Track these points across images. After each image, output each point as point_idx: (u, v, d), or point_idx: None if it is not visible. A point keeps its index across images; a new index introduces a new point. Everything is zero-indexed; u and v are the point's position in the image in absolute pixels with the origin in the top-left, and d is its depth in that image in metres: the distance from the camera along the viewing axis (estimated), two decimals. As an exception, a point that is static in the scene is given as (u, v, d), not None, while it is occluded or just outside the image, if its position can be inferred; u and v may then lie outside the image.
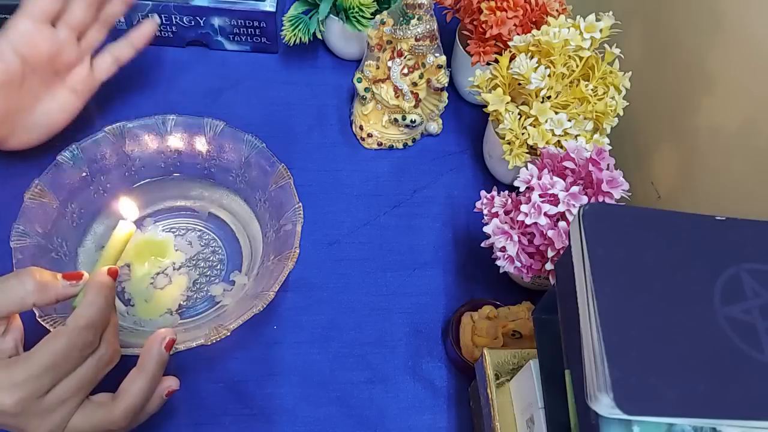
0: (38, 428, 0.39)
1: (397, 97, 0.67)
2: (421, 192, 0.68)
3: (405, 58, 0.64)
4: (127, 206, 0.50)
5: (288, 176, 0.56)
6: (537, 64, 0.58)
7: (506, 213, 0.55)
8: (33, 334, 0.42)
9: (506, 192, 0.56)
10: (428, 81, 0.66)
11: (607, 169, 0.52)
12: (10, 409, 0.37)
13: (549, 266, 0.52)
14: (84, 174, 0.55)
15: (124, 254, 0.56)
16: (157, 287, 0.56)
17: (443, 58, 0.65)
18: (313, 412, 0.54)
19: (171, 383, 0.46)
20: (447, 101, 0.69)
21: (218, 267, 0.58)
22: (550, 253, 0.51)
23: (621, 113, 0.59)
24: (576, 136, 0.59)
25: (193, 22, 0.71)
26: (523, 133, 0.59)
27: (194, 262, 0.58)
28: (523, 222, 0.52)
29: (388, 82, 0.66)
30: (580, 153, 0.54)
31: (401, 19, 0.62)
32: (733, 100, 0.55)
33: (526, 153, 0.60)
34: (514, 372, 0.49)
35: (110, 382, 0.43)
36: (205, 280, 0.57)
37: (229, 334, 0.47)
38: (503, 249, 0.53)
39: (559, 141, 0.58)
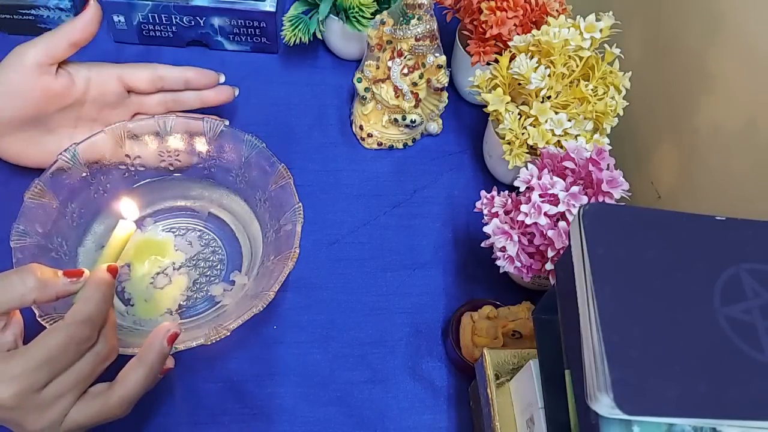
0: (35, 423, 0.39)
1: (397, 97, 0.67)
2: (421, 192, 0.68)
3: (405, 58, 0.64)
4: (127, 206, 0.50)
5: (288, 176, 0.56)
6: (537, 64, 0.58)
7: (506, 213, 0.55)
8: (33, 329, 0.42)
9: (506, 192, 0.56)
10: (428, 81, 0.66)
11: (607, 169, 0.52)
12: (7, 402, 0.37)
13: (549, 266, 0.52)
14: (84, 174, 0.55)
15: (124, 254, 0.56)
16: (156, 287, 0.56)
17: (443, 58, 0.65)
18: (313, 412, 0.54)
19: (167, 362, 0.46)
20: (447, 101, 0.69)
21: (218, 267, 0.58)
22: (550, 253, 0.51)
23: (621, 113, 0.59)
24: (576, 136, 0.59)
25: (193, 22, 0.71)
26: (523, 133, 0.59)
27: (194, 262, 0.58)
28: (523, 222, 0.52)
29: (388, 82, 0.66)
30: (580, 153, 0.54)
31: (401, 19, 0.62)
32: (733, 99, 0.55)
33: (526, 153, 0.60)
34: (514, 372, 0.49)
35: (108, 375, 0.43)
36: (205, 280, 0.57)
37: (229, 334, 0.47)
38: (503, 249, 0.53)
39: (559, 141, 0.58)
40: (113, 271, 0.44)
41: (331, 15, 0.70)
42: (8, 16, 0.69)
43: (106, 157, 0.56)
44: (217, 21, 0.71)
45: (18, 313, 0.42)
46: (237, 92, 0.63)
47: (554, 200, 0.52)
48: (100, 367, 0.42)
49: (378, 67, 0.65)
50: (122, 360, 0.44)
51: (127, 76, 0.58)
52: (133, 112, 0.60)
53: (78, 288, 0.43)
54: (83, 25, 0.53)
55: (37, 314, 0.45)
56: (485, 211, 0.56)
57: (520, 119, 0.60)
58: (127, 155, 0.57)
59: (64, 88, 0.54)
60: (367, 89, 0.67)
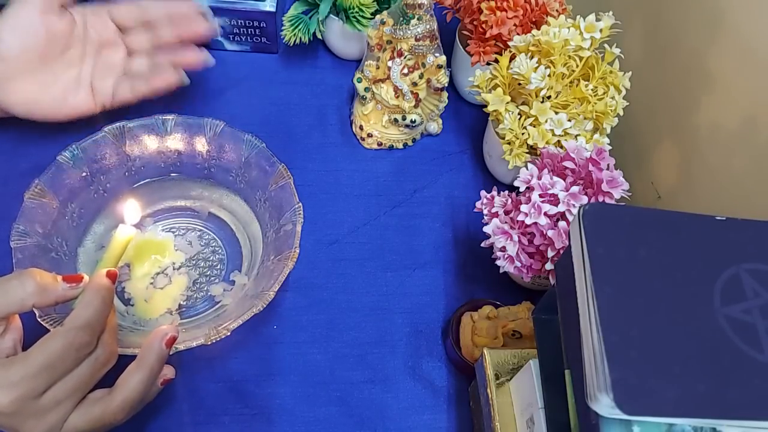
0: (34, 428, 0.39)
1: (397, 97, 0.67)
2: (421, 192, 0.68)
3: (405, 58, 0.64)
4: (130, 209, 0.50)
5: (288, 176, 0.56)
6: (537, 64, 0.58)
7: (506, 213, 0.55)
8: (33, 333, 0.42)
9: (506, 192, 0.56)
10: (428, 81, 0.66)
11: (607, 169, 0.52)
12: (5, 409, 0.37)
13: (549, 266, 0.52)
14: (84, 174, 0.55)
15: (124, 254, 0.57)
16: (156, 287, 0.56)
17: (443, 58, 0.65)
18: (313, 412, 0.54)
19: (167, 372, 0.46)
20: (447, 101, 0.69)
21: (218, 267, 0.58)
22: (550, 253, 0.51)
23: (621, 113, 0.59)
24: (576, 136, 0.59)
25: (193, 22, 0.71)
26: (523, 133, 0.59)
27: (194, 262, 0.58)
28: (523, 222, 0.52)
29: (388, 82, 0.66)
30: (580, 153, 0.54)
31: (401, 19, 0.62)
32: (733, 99, 0.55)
33: (526, 153, 0.60)
34: (514, 372, 0.49)
35: (107, 381, 0.43)
36: (205, 280, 0.57)
37: (229, 334, 0.47)
38: (503, 249, 0.53)
39: (559, 141, 0.58)
40: (113, 276, 0.44)
41: (331, 15, 0.70)
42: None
43: (106, 156, 0.56)
44: (217, 21, 0.71)
45: (17, 319, 0.42)
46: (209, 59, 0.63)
47: (554, 200, 0.52)
48: (99, 373, 0.42)
49: (378, 67, 0.65)
50: (121, 364, 0.44)
51: (116, 14, 0.60)
52: (127, 50, 0.61)
53: (77, 293, 0.42)
54: None
55: (37, 314, 0.45)
56: (485, 211, 0.56)
57: (520, 119, 0.60)
58: (127, 155, 0.57)
59: (67, 27, 0.56)
60: (367, 89, 0.67)
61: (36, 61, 0.55)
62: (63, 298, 0.42)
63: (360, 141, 0.71)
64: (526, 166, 0.54)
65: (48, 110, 0.58)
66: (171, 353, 0.45)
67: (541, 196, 0.52)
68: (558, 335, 0.39)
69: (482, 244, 0.56)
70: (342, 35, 0.73)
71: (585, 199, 0.51)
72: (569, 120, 0.58)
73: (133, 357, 0.44)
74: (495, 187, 0.57)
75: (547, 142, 0.58)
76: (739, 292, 0.34)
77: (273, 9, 0.70)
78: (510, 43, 0.62)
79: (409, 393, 0.56)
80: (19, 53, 0.54)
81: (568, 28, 0.58)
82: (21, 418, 0.38)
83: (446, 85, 0.66)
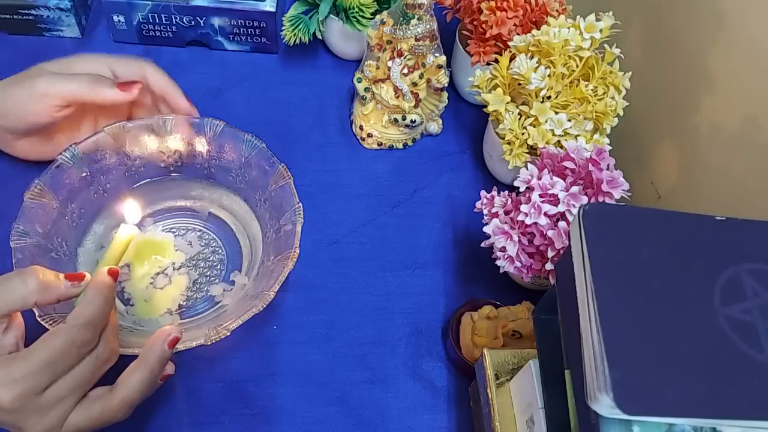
0: (35, 425, 0.39)
1: (397, 97, 0.67)
2: (421, 192, 0.68)
3: (405, 58, 0.64)
4: (130, 209, 0.50)
5: (288, 176, 0.56)
6: (537, 64, 0.58)
7: (506, 213, 0.55)
8: (35, 331, 0.42)
9: (506, 192, 0.56)
10: (428, 81, 0.66)
11: (607, 169, 0.52)
12: (7, 405, 0.37)
13: (549, 266, 0.52)
14: (84, 174, 0.55)
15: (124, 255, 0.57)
16: (156, 287, 0.56)
17: (443, 58, 0.65)
18: (313, 412, 0.54)
19: (167, 368, 0.46)
20: (447, 101, 0.69)
21: (218, 267, 0.58)
22: (550, 253, 0.51)
23: (621, 113, 0.59)
24: (576, 136, 0.59)
25: (193, 22, 0.71)
26: (523, 133, 0.59)
27: (194, 262, 0.58)
28: (523, 222, 0.52)
29: (388, 82, 0.66)
30: (580, 153, 0.54)
31: (401, 19, 0.62)
32: (734, 99, 0.55)
33: (526, 153, 0.60)
34: (514, 372, 0.50)
35: (108, 379, 0.43)
36: (205, 280, 0.57)
37: (229, 334, 0.47)
38: (503, 249, 0.53)
39: (559, 141, 0.58)
40: (114, 274, 0.44)
41: (331, 15, 0.70)
42: (8, 16, 0.69)
43: (106, 156, 0.56)
44: (217, 21, 0.71)
45: (19, 316, 0.42)
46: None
47: (554, 200, 0.52)
48: (101, 371, 0.42)
49: (378, 67, 0.65)
50: (122, 363, 0.44)
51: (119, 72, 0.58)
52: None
53: (79, 291, 0.43)
54: (109, 98, 0.54)
55: (36, 314, 0.45)
56: (485, 211, 0.56)
57: (520, 119, 0.60)
58: (127, 155, 0.57)
59: (68, 112, 0.55)
60: (367, 89, 0.67)
61: (35, 131, 0.56)
62: (65, 296, 0.42)
63: (360, 141, 0.71)
64: (526, 166, 0.54)
65: (44, 155, 0.58)
66: (172, 353, 0.45)
67: (541, 196, 0.52)
68: (558, 335, 0.39)
69: (482, 244, 0.56)
70: (342, 35, 0.73)
71: (585, 199, 0.51)
72: (569, 120, 0.58)
73: (132, 357, 0.44)
74: (495, 187, 0.57)
75: (547, 142, 0.58)
76: (739, 292, 0.34)
77: (273, 9, 0.70)
78: (510, 43, 0.62)
79: (409, 393, 0.56)
80: (21, 128, 0.55)
81: (568, 28, 0.58)
82: (23, 415, 0.38)
83: (446, 85, 0.66)
